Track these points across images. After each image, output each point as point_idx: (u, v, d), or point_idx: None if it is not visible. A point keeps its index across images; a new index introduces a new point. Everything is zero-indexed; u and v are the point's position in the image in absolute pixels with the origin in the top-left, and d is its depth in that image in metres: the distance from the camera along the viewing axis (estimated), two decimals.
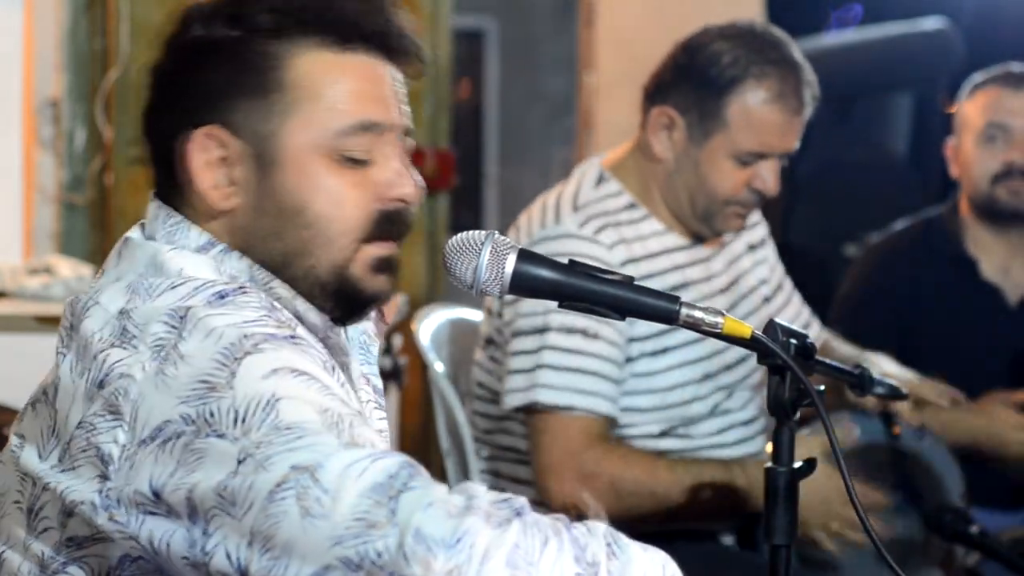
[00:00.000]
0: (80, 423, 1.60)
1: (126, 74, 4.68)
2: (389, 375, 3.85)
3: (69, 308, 1.68)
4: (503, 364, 2.92)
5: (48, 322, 3.88)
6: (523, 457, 2.96)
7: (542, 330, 2.81)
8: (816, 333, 3.23)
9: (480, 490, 1.46)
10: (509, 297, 2.86)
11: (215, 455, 1.50)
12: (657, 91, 2.92)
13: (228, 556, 1.49)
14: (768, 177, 2.88)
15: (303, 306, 1.73)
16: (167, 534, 1.54)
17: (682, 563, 1.58)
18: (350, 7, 1.73)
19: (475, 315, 3.23)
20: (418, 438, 4.97)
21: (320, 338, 1.73)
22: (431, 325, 3.21)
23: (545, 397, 2.79)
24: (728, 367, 2.98)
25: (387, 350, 3.89)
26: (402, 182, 1.75)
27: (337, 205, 1.72)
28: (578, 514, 2.76)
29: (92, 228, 4.71)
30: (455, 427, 3.09)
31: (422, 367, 3.21)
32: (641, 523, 2.76)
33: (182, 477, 1.52)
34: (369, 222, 1.73)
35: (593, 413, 2.80)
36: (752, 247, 3.14)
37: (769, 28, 2.94)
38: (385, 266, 1.76)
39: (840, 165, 5.22)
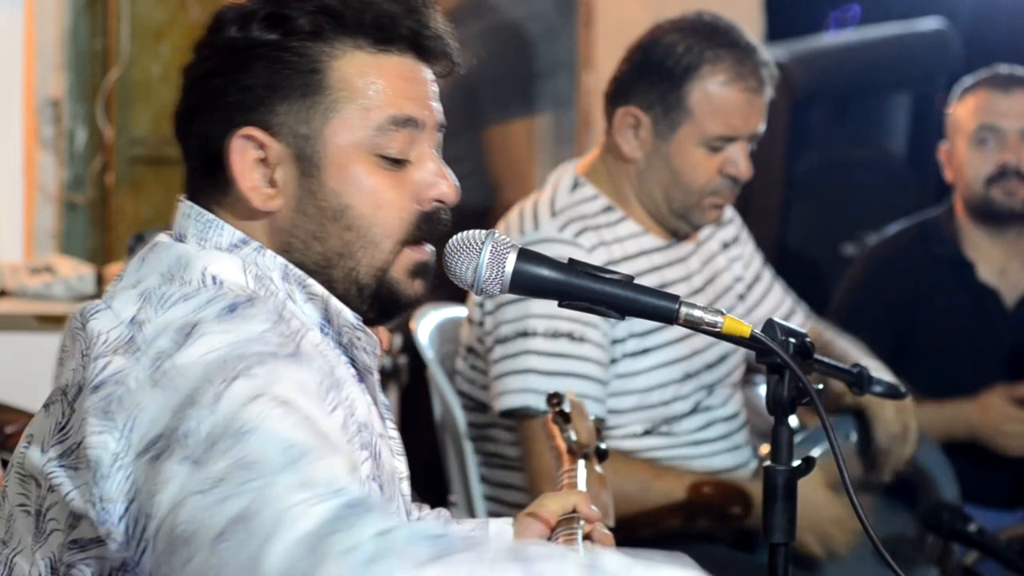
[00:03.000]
0: (82, 420, 1.59)
1: (126, 74, 4.68)
2: (389, 375, 3.85)
3: (80, 311, 1.67)
4: (487, 372, 2.92)
5: (49, 321, 3.88)
6: (509, 463, 2.97)
7: (527, 334, 2.81)
8: (801, 321, 3.24)
9: (399, 523, 1.37)
10: (490, 306, 2.88)
11: (177, 480, 1.47)
12: (618, 93, 2.94)
13: None
14: (739, 160, 2.89)
15: (337, 305, 1.74)
16: (150, 558, 1.51)
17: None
18: (385, 8, 1.75)
19: None
20: None
21: (346, 341, 1.73)
22: (429, 324, 3.22)
23: (534, 401, 2.79)
24: (709, 366, 2.99)
25: (387, 351, 3.90)
26: (439, 182, 1.77)
27: (377, 207, 1.73)
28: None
29: (93, 227, 4.71)
30: (453, 425, 3.10)
31: (421, 366, 3.21)
32: (638, 528, 2.77)
33: (147, 503, 1.50)
34: (409, 224, 1.75)
35: None
36: (726, 245, 3.16)
37: (717, 16, 2.96)
38: (422, 271, 1.78)
39: (838, 165, 5.22)
